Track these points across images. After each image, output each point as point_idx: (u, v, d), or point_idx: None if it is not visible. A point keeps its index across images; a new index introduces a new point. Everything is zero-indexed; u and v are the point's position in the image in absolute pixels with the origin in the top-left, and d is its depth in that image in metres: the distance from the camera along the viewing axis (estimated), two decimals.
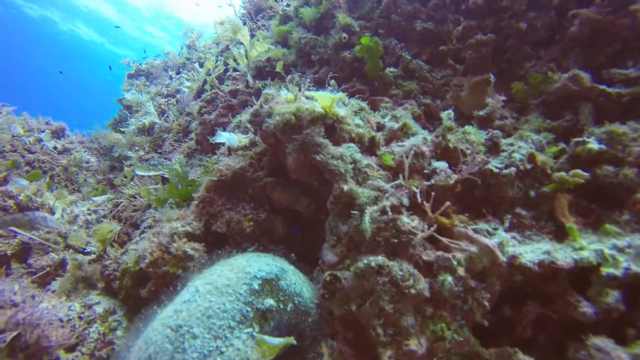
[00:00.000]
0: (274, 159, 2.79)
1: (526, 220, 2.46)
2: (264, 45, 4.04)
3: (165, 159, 5.89)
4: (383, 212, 2.30)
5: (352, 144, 2.51)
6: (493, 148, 2.68)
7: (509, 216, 2.46)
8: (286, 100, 2.62)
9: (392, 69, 3.44)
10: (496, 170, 2.45)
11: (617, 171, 2.36)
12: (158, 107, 8.15)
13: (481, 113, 2.89)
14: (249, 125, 2.86)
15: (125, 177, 6.21)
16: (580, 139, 2.48)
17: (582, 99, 2.73)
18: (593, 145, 2.42)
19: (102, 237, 3.67)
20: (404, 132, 2.75)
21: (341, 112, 2.54)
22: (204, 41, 12.52)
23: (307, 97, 2.63)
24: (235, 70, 4.54)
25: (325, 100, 2.43)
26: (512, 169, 2.43)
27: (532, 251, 2.24)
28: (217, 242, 2.74)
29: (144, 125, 7.05)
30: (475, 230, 2.38)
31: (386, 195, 2.38)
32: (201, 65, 11.11)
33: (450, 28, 3.46)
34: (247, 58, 4.05)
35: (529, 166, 2.49)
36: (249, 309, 2.12)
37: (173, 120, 6.70)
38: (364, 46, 3.27)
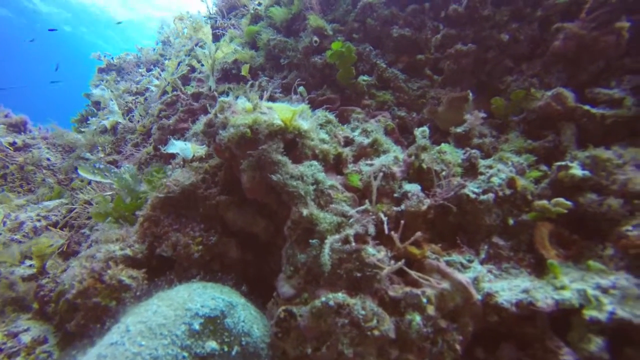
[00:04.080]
0: (229, 174, 2.49)
1: (504, 251, 2.24)
2: (230, 47, 3.73)
3: (118, 165, 5.49)
4: (346, 241, 2.04)
5: (314, 162, 2.24)
6: (470, 169, 2.45)
7: (486, 246, 2.24)
8: (244, 110, 2.33)
9: (365, 78, 3.19)
10: (473, 196, 2.23)
11: (601, 200, 2.17)
12: (125, 106, 7.69)
13: (459, 130, 2.67)
14: (202, 136, 2.55)
15: (82, 181, 5.77)
16: (563, 163, 2.28)
17: (565, 119, 2.54)
18: (577, 171, 2.22)
19: (40, 252, 3.27)
20: (374, 149, 2.50)
21: (304, 125, 2.26)
22: (179, 39, 12.06)
23: (268, 108, 2.35)
24: (201, 72, 4.20)
25: (285, 112, 2.15)
26: (491, 195, 2.21)
27: (509, 289, 2.01)
28: (162, 267, 2.42)
29: (105, 127, 6.59)
30: (448, 263, 2.15)
31: (350, 221, 2.12)
32: None
33: (429, 36, 3.23)
34: (211, 59, 3.73)
35: (508, 192, 2.28)
36: (185, 355, 1.81)
37: (138, 121, 6.29)
38: (336, 52, 3.01)
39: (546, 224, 2.25)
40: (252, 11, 4.42)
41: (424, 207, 2.21)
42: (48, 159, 9.34)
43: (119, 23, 22.73)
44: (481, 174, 2.35)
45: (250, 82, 3.37)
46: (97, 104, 11.41)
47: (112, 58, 13.34)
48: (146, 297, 2.14)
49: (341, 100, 3.22)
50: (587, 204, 2.20)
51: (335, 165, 2.41)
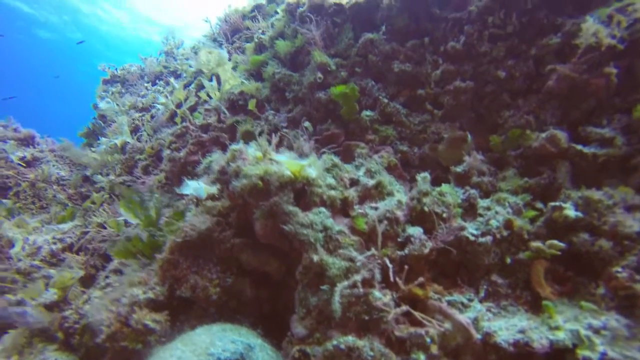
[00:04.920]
0: (242, 218, 2.65)
1: (502, 289, 2.39)
2: (237, 79, 3.88)
3: (135, 189, 5.66)
4: (354, 286, 2.20)
5: (322, 209, 2.39)
6: (470, 209, 2.60)
7: (485, 285, 2.39)
8: (254, 158, 2.49)
9: (368, 113, 3.34)
10: (472, 238, 2.37)
11: (593, 240, 2.31)
12: (132, 123, 7.85)
13: (458, 170, 2.81)
14: (214, 178, 2.71)
15: (94, 203, 5.94)
16: (557, 203, 2.42)
17: (560, 158, 2.68)
18: (570, 212, 2.36)
19: (63, 285, 3.45)
20: (378, 191, 2.65)
21: (312, 174, 2.42)
22: (182, 49, 12.19)
23: (277, 162, 2.50)
24: (206, 101, 4.36)
25: (294, 166, 2.30)
26: (489, 238, 2.36)
27: (507, 328, 2.16)
28: (182, 306, 2.58)
29: (115, 146, 6.77)
30: (449, 303, 2.30)
31: (358, 265, 2.27)
32: (177, 77, 10.84)
33: (429, 70, 3.37)
34: (219, 92, 3.88)
35: (505, 233, 2.42)
36: None
37: (146, 141, 6.45)
38: (340, 93, 3.16)
39: (542, 261, 2.40)
40: (256, 40, 4.56)
41: (427, 251, 2.36)
42: (58, 173, 9.54)
43: (79, 43, 22.22)
44: (480, 215, 2.50)
45: (259, 125, 3.51)
46: (102, 117, 11.58)
47: (116, 69, 13.51)
48: (170, 339, 2.31)
49: (345, 134, 3.37)
50: (580, 243, 2.34)
51: (342, 208, 2.56)
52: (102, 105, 11.41)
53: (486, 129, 3.25)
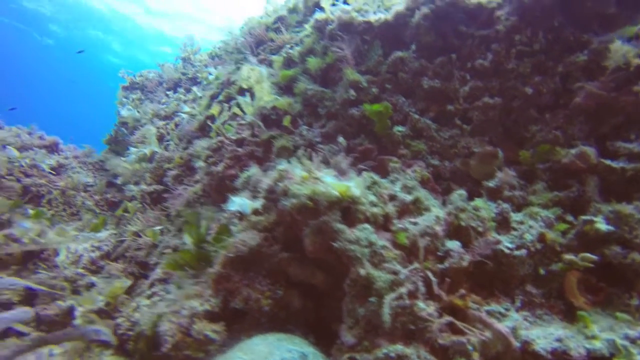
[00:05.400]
0: (289, 232, 2.83)
1: (537, 299, 2.54)
2: (271, 95, 4.06)
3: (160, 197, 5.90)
4: (400, 298, 2.37)
5: (367, 225, 2.56)
6: (503, 223, 2.75)
7: (520, 295, 2.54)
8: (301, 178, 2.67)
9: (400, 128, 3.50)
10: (508, 251, 2.53)
11: (625, 253, 2.45)
12: (156, 131, 8.10)
13: (491, 185, 2.96)
14: (262, 200, 2.89)
15: (127, 212, 6.20)
16: (589, 217, 2.57)
17: (589, 172, 2.81)
18: (601, 225, 2.50)
19: (113, 295, 3.69)
20: (416, 207, 2.81)
21: (356, 192, 2.59)
22: (200, 55, 12.42)
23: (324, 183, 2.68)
24: (237, 115, 4.55)
25: (340, 187, 2.48)
26: (524, 251, 2.51)
27: (544, 337, 2.31)
28: (235, 317, 2.78)
29: (145, 155, 7.02)
30: (488, 313, 2.46)
31: (401, 278, 2.44)
32: (196, 83, 11.06)
33: (457, 86, 3.51)
34: (253, 107, 4.08)
35: (539, 246, 2.57)
36: None
37: (173, 150, 6.69)
38: (375, 111, 3.32)
39: (574, 272, 2.54)
40: (284, 54, 4.74)
41: (465, 264, 2.52)
42: (84, 180, 9.86)
43: (79, 52, 22.29)
44: (514, 229, 2.65)
45: (293, 140, 3.69)
46: (124, 124, 11.88)
47: (135, 75, 13.80)
48: (228, 348, 2.51)
49: (378, 149, 3.53)
50: (612, 255, 2.48)
51: (383, 223, 2.73)
52: (124, 112, 11.71)
53: (513, 142, 3.39)
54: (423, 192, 2.95)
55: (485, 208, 2.77)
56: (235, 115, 4.52)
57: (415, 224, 2.69)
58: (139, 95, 12.75)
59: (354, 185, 2.50)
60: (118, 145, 11.72)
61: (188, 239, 3.13)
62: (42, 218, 5.51)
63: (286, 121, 3.89)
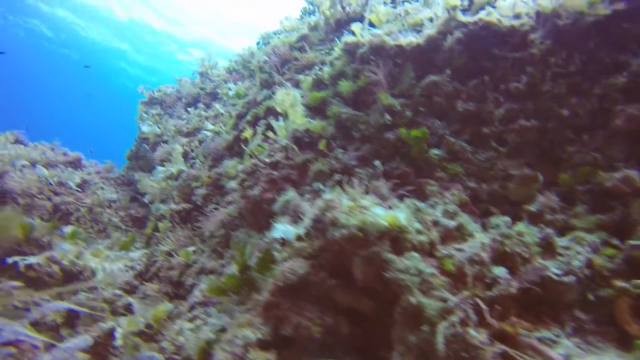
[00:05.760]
0: (336, 260, 2.90)
1: (587, 325, 2.56)
2: (304, 119, 4.15)
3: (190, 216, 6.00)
4: (452, 326, 2.41)
5: (414, 254, 2.62)
6: (548, 248, 2.77)
7: (570, 321, 2.56)
8: (348, 208, 2.73)
9: (436, 151, 3.55)
10: (556, 278, 2.55)
11: None
12: (181, 148, 8.25)
13: (532, 209, 2.99)
14: (311, 230, 2.96)
15: (157, 231, 6.32)
16: (637, 242, 2.58)
17: (633, 196, 2.83)
18: None
19: (157, 318, 3.78)
20: (460, 233, 2.85)
21: (403, 221, 2.65)
22: (216, 70, 12.62)
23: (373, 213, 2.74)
24: (267, 135, 4.65)
25: (389, 217, 2.54)
26: (572, 278, 2.53)
27: None
28: (285, 343, 2.85)
29: (172, 174, 7.17)
30: (539, 340, 2.48)
31: (451, 305, 2.48)
32: (215, 99, 11.21)
33: (492, 108, 3.55)
34: (286, 130, 4.17)
35: (587, 272, 2.59)
36: None
37: (199, 168, 6.82)
38: (414, 137, 3.39)
39: (625, 298, 2.55)
40: (314, 76, 4.83)
41: (514, 290, 2.55)
42: (109, 197, 10.05)
43: (86, 67, 22.82)
44: (559, 254, 2.68)
45: (329, 163, 3.76)
46: (145, 139, 12.09)
47: (153, 91, 14.07)
48: None
49: (414, 172, 3.58)
50: None
51: (429, 250, 2.78)
52: (145, 128, 11.93)
53: (549, 163, 3.41)
54: (465, 217, 2.99)
55: (529, 233, 2.80)
56: (266, 137, 4.62)
57: (460, 250, 2.74)
58: (158, 111, 12.99)
59: (403, 217, 2.56)
60: (139, 161, 11.96)
61: (234, 266, 3.21)
62: (77, 238, 5.66)
63: (322, 145, 3.96)
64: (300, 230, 3.23)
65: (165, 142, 10.07)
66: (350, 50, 4.32)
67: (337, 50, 4.56)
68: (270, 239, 3.56)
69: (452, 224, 2.89)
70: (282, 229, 3.19)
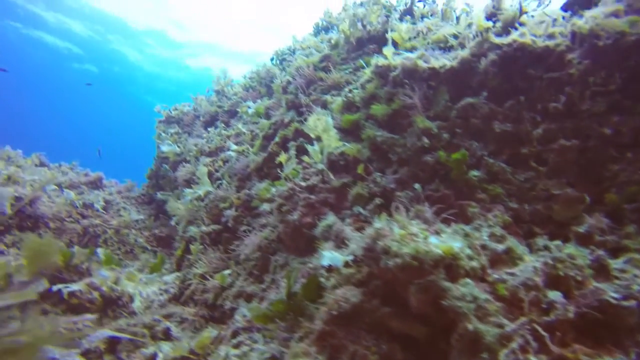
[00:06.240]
0: (388, 287, 2.93)
1: None
2: (338, 142, 4.22)
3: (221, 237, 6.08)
4: (512, 353, 2.42)
5: (468, 280, 2.64)
6: (601, 270, 2.77)
7: (633, 347, 2.55)
8: (399, 236, 2.77)
9: (476, 173, 3.58)
10: (615, 302, 2.55)
11: None
12: (205, 168, 8.37)
13: (581, 230, 3.00)
14: (362, 258, 3.01)
15: (189, 253, 6.41)
16: None
17: None
18: None
19: (202, 345, 3.84)
20: (509, 256, 2.87)
21: (456, 248, 2.68)
22: (232, 88, 12.79)
23: (417, 231, 2.78)
24: (301, 159, 4.72)
25: (443, 245, 2.57)
26: (633, 302, 2.53)
27: None
28: None
29: (199, 197, 7.28)
30: None
31: (509, 331, 2.50)
32: (233, 116, 11.34)
33: (529, 128, 3.58)
34: (322, 155, 4.24)
35: None
36: None
37: (226, 189, 6.91)
38: (454, 160, 3.43)
39: None
40: (344, 98, 4.91)
41: (571, 315, 2.56)
42: (134, 217, 10.19)
43: (88, 84, 23.25)
44: (615, 277, 2.68)
45: (367, 187, 3.81)
46: (165, 159, 12.26)
47: (170, 110, 14.29)
48: None
49: (454, 195, 3.61)
50: None
51: (480, 275, 2.80)
52: (164, 148, 12.11)
53: (591, 182, 3.41)
54: (512, 240, 3.01)
55: (580, 255, 2.81)
56: (300, 160, 4.69)
57: (512, 274, 2.75)
58: (177, 129, 13.19)
59: (458, 246, 2.59)
60: (160, 180, 12.12)
61: (283, 292, 3.26)
62: (112, 263, 5.77)
63: (360, 169, 4.02)
64: (348, 257, 3.27)
65: (187, 161, 10.22)
66: (382, 73, 4.40)
67: (367, 73, 4.64)
68: (314, 265, 3.61)
69: (500, 247, 2.92)
70: (330, 256, 3.23)
